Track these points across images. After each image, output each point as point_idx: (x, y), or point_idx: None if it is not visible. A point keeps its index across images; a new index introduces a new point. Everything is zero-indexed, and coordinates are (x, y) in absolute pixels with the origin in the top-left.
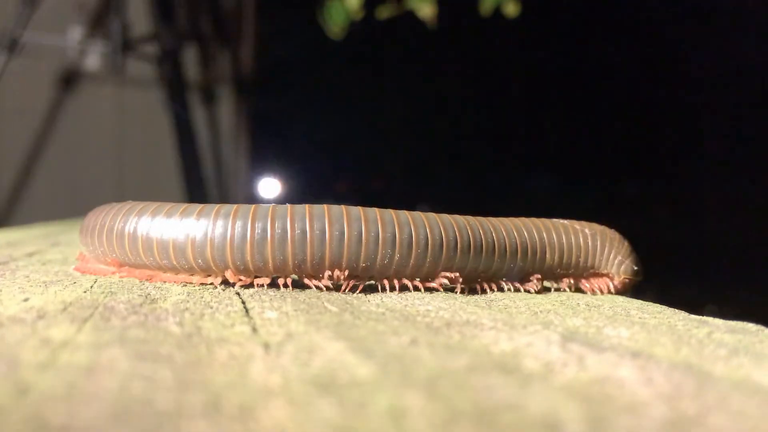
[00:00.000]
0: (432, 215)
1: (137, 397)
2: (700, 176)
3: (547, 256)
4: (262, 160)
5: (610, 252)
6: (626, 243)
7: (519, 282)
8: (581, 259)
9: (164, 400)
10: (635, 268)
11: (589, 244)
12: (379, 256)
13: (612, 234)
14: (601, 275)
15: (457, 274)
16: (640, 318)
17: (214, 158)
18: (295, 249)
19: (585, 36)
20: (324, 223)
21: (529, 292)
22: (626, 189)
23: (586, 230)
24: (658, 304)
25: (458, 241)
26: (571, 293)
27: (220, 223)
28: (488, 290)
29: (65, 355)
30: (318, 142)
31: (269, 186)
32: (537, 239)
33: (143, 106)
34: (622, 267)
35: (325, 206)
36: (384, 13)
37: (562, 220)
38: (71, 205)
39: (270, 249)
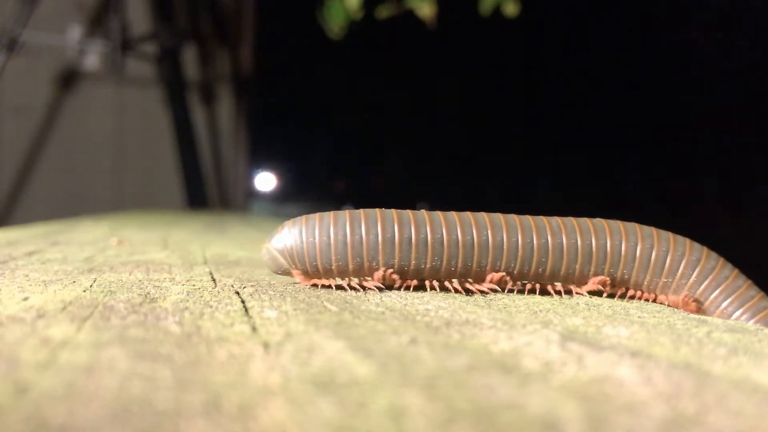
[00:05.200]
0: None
1: (137, 397)
2: (698, 175)
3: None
4: (261, 158)
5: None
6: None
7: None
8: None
9: (164, 400)
10: None
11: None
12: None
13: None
14: None
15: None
16: (639, 317)
17: (214, 157)
18: (540, 258)
19: (585, 36)
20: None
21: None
22: (625, 188)
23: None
24: (657, 303)
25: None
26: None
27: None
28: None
29: (65, 354)
30: (317, 141)
31: (268, 184)
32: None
33: (143, 105)
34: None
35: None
36: (384, 12)
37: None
38: (71, 204)
39: (537, 258)
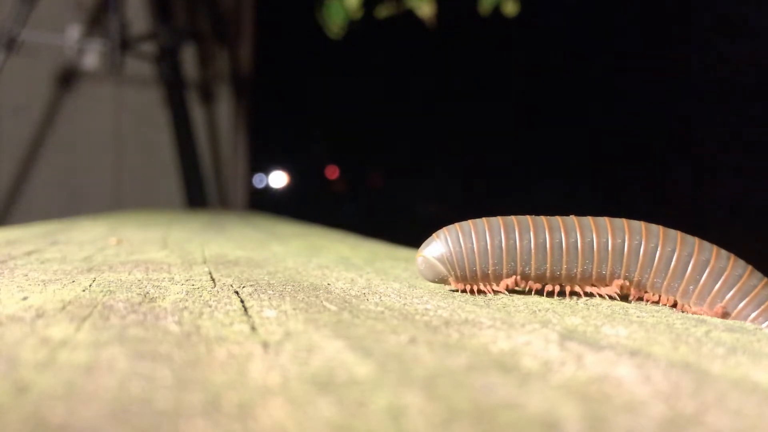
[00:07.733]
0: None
1: (136, 396)
2: (697, 175)
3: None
4: (260, 158)
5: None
6: None
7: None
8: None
9: (163, 399)
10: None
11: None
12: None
13: None
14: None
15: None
16: (638, 316)
17: (213, 156)
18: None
19: (584, 36)
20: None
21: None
22: (624, 189)
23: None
24: (656, 303)
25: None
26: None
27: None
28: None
29: (64, 353)
30: (316, 141)
31: (267, 183)
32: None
33: (142, 104)
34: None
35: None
36: (383, 12)
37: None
38: (70, 203)
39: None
